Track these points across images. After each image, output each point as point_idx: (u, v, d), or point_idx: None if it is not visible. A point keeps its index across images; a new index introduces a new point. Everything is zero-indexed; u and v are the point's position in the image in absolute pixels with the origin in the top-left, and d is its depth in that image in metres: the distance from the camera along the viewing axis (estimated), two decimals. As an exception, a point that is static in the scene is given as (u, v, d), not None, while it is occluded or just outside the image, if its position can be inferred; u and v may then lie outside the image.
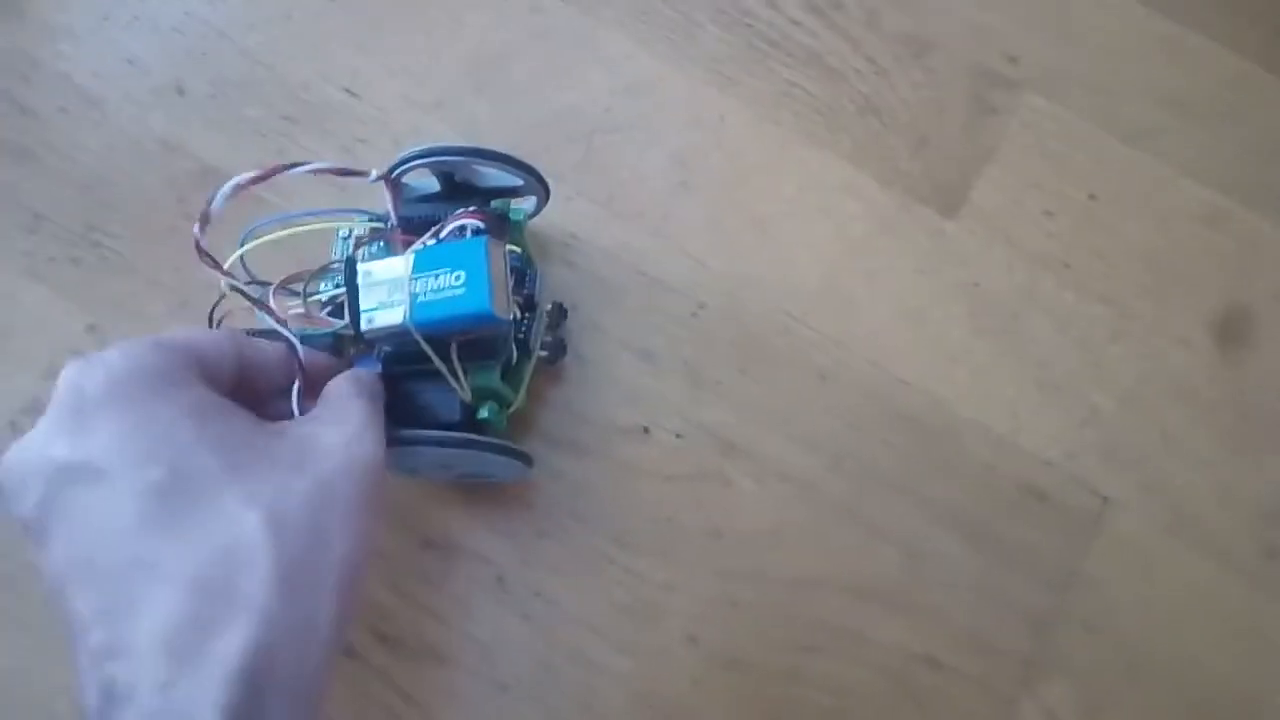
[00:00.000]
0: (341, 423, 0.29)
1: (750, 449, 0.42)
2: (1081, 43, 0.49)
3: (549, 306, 0.42)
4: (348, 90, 0.46)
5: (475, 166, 0.39)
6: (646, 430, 0.42)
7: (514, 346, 0.38)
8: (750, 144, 0.47)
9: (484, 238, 0.34)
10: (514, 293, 0.37)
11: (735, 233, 0.45)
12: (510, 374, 0.38)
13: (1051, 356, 0.44)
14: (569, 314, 0.43)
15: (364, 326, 0.34)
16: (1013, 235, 0.46)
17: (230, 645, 0.21)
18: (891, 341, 0.44)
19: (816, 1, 0.49)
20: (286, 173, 0.33)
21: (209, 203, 0.31)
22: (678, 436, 0.42)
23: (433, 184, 0.40)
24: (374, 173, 0.37)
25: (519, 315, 0.39)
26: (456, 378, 0.35)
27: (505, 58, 0.48)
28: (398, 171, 0.38)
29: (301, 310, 0.36)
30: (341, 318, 0.35)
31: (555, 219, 0.44)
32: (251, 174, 0.32)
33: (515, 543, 0.41)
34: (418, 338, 0.33)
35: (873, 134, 0.47)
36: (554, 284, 0.44)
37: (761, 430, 0.42)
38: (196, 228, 0.31)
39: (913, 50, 0.48)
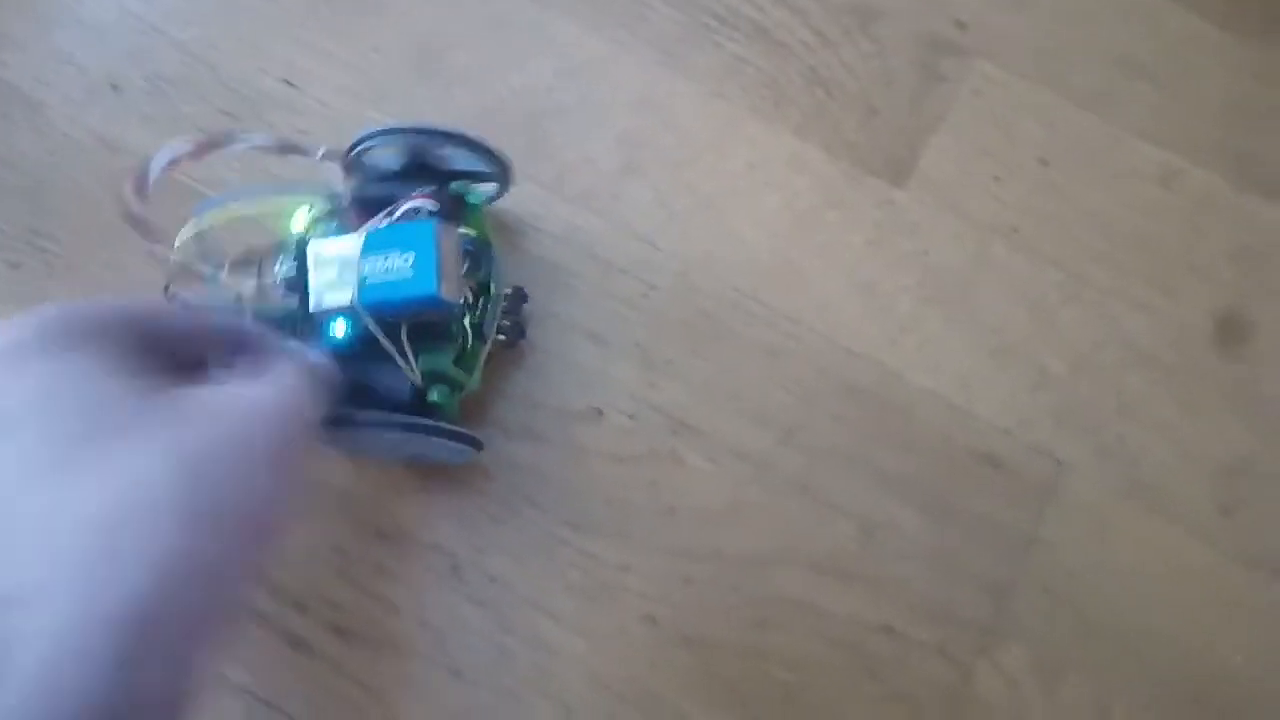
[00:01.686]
0: (270, 384, 0.29)
1: (703, 428, 0.42)
2: (1032, 6, 0.48)
3: (508, 290, 0.42)
4: (286, 82, 0.46)
5: (435, 150, 0.39)
6: (600, 412, 0.42)
7: (468, 330, 0.38)
8: (698, 122, 0.46)
9: (434, 220, 0.34)
10: (469, 276, 0.37)
11: (684, 212, 0.45)
12: (464, 358, 0.38)
13: (1004, 323, 0.44)
14: (527, 299, 0.43)
15: (313, 306, 0.34)
16: (962, 203, 0.45)
17: (126, 589, 0.22)
18: (842, 314, 0.44)
19: (761, -26, 0.48)
20: (225, 149, 0.33)
21: (145, 170, 0.31)
22: (630, 417, 0.42)
23: (393, 163, 0.40)
24: (321, 149, 0.36)
25: (470, 299, 0.39)
26: (406, 360, 0.35)
27: (449, 46, 0.47)
28: (355, 151, 0.38)
29: (254, 286, 0.36)
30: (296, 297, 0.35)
31: (505, 203, 0.43)
32: (189, 145, 0.32)
33: (470, 529, 0.41)
34: (366, 319, 0.33)
35: (820, 106, 0.46)
36: (506, 269, 0.44)
37: (714, 409, 0.42)
38: (129, 188, 0.31)
39: (860, 20, 0.48)
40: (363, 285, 0.33)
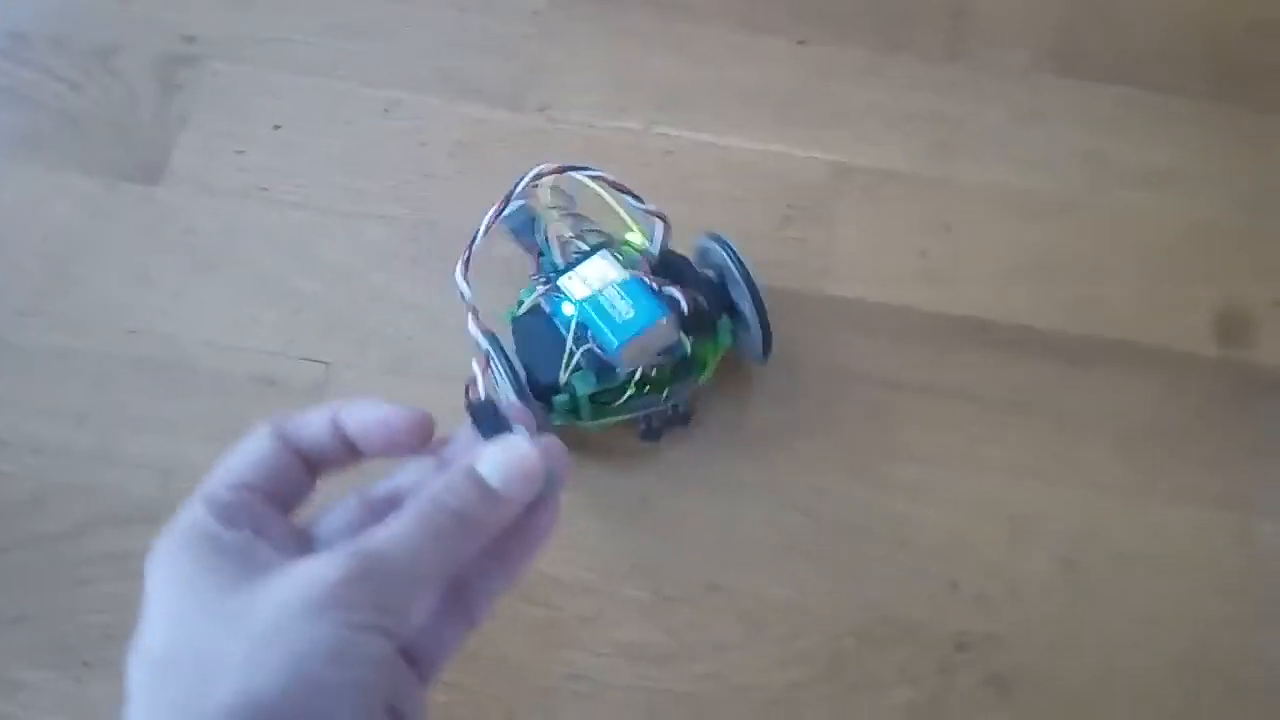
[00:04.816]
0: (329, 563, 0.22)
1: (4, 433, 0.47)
2: (252, 5, 0.56)
3: (674, 404, 0.45)
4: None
5: (734, 286, 0.45)
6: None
7: (622, 394, 0.43)
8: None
9: (669, 315, 0.41)
10: (659, 369, 0.43)
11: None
12: (600, 403, 0.43)
13: (263, 268, 0.50)
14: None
15: (564, 278, 0.42)
16: (212, 181, 0.52)
17: None
18: (119, 301, 0.49)
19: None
20: (578, 173, 0.41)
21: (514, 187, 0.40)
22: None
23: (704, 263, 0.46)
24: (654, 209, 0.43)
25: (641, 381, 0.43)
26: (569, 361, 0.42)
27: None
28: (701, 249, 0.46)
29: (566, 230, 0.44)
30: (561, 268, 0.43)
31: None
32: (552, 165, 0.41)
33: None
34: (574, 317, 0.42)
35: (73, 139, 0.53)
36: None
37: (19, 415, 0.47)
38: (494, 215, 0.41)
39: (100, 59, 0.55)
40: (593, 298, 0.41)
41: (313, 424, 0.25)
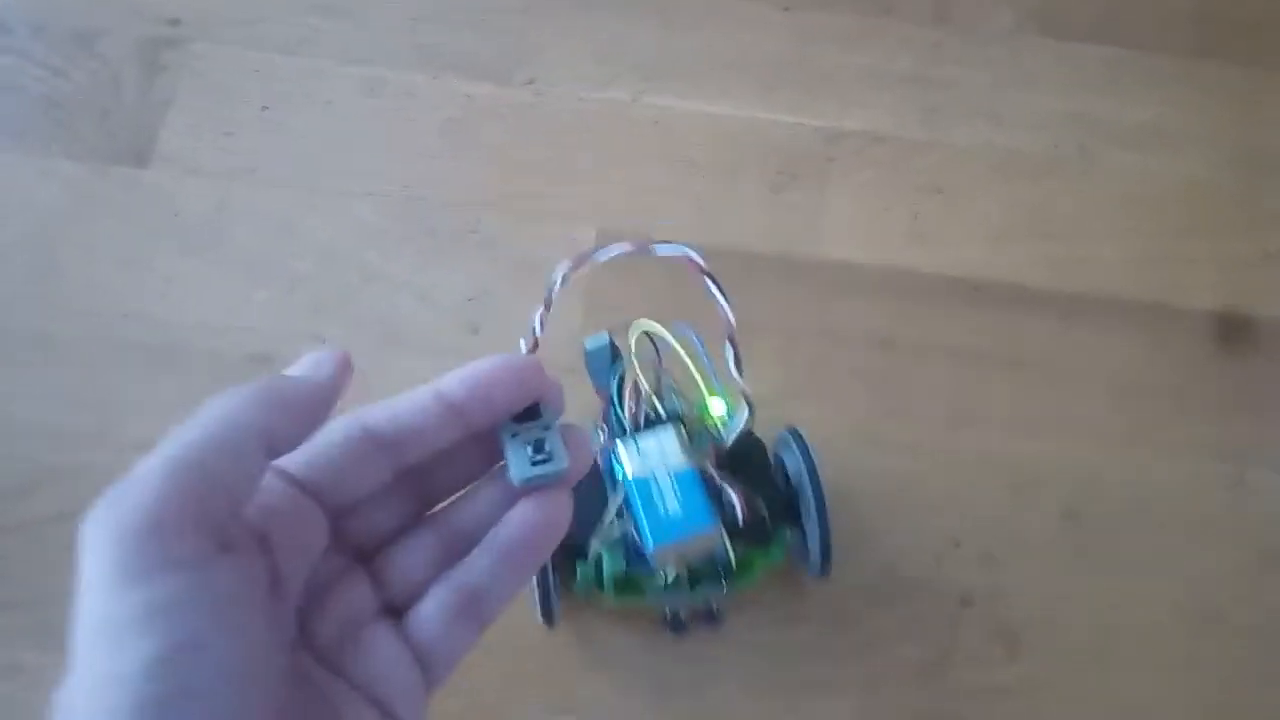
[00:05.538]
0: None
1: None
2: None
3: (709, 607, 0.42)
4: None
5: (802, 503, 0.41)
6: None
7: (655, 582, 0.40)
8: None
9: (716, 523, 0.36)
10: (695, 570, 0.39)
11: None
12: (626, 579, 0.39)
13: (253, 249, 0.50)
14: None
15: (626, 441, 0.37)
16: (200, 163, 0.52)
17: None
18: (110, 286, 0.49)
19: (-20, 35, 0.54)
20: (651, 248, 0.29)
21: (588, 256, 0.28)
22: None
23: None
24: (746, 390, 0.35)
25: (675, 578, 0.39)
26: (609, 522, 0.38)
27: None
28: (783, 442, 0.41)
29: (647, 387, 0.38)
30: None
31: None
32: (629, 246, 0.28)
33: None
34: (605, 481, 0.38)
35: (57, 124, 0.52)
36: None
37: (2, 399, 0.47)
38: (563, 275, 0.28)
39: (82, 44, 0.54)
40: (644, 481, 0.36)
41: (410, 402, 0.24)
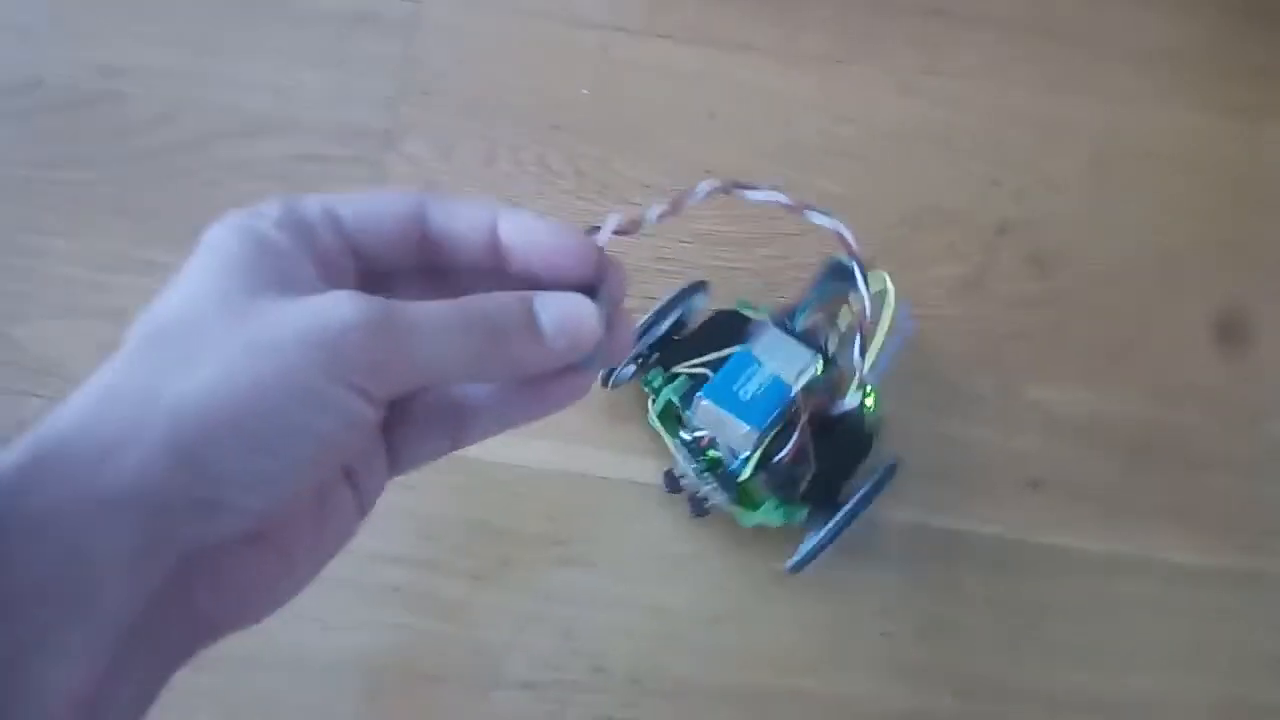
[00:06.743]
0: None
1: None
2: None
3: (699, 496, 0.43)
4: None
5: None
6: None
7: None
8: None
9: (756, 434, 0.39)
10: (713, 473, 0.41)
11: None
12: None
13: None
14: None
15: (773, 326, 0.41)
16: None
17: None
18: None
19: None
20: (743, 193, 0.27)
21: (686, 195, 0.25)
22: None
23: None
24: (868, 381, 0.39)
25: (694, 436, 0.41)
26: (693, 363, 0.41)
27: None
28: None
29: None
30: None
31: None
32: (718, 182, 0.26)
33: None
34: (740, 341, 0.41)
35: None
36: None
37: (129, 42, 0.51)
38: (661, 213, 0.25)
39: None
40: (755, 359, 0.40)
41: (469, 216, 0.23)
